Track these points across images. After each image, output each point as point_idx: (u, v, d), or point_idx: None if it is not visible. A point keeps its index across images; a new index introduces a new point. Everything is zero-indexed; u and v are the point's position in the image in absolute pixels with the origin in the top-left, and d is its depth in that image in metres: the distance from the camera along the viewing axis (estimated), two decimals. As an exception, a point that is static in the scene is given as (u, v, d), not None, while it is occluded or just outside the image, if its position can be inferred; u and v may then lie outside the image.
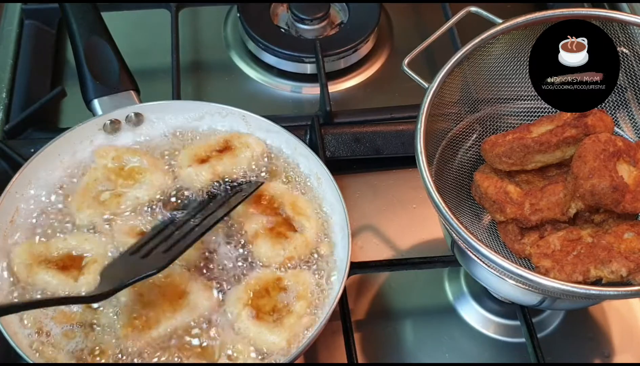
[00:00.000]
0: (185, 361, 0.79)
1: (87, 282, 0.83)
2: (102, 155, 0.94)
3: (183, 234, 0.83)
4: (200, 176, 0.92)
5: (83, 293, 0.82)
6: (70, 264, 0.85)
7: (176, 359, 0.79)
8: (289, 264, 0.87)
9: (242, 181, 0.93)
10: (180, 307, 0.82)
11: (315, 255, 0.89)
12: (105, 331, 0.81)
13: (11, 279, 0.84)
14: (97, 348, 0.80)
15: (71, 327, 0.80)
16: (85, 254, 0.86)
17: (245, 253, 0.88)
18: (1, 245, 0.85)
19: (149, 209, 0.90)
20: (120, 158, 0.94)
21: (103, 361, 0.79)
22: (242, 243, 0.88)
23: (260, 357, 0.80)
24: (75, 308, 0.82)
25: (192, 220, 0.85)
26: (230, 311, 0.83)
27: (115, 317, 0.81)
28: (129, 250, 0.82)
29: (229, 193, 0.91)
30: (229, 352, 0.80)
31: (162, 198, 0.91)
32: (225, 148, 0.96)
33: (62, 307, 0.81)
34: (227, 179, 0.93)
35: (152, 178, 0.92)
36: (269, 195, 0.92)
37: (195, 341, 0.81)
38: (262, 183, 0.92)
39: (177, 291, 0.83)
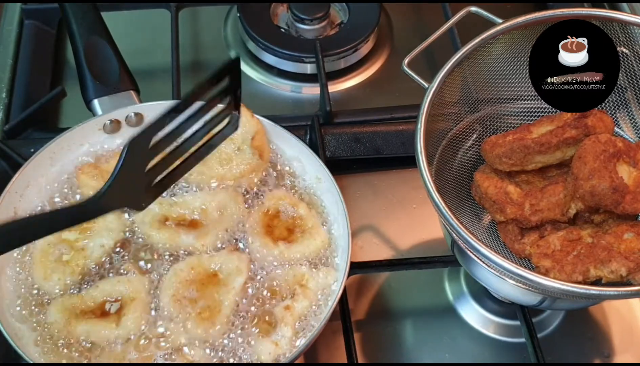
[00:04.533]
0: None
1: (131, 323, 0.81)
2: None
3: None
4: None
5: (132, 336, 0.81)
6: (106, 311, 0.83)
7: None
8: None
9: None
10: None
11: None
12: None
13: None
14: None
15: None
16: (119, 297, 0.83)
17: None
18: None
19: (121, 250, 0.88)
20: None
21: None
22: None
23: (312, 266, 0.87)
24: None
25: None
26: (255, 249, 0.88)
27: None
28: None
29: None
30: (296, 287, 0.85)
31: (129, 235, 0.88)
32: None
33: None
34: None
35: (106, 224, 0.88)
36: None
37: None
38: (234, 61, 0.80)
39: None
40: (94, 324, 0.81)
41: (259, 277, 0.87)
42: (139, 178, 0.75)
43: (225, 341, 0.82)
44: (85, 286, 0.84)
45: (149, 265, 0.87)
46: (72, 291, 0.84)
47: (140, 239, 0.88)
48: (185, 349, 0.81)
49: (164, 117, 0.73)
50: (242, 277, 0.85)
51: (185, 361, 0.80)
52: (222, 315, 0.82)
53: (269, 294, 0.86)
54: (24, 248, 0.86)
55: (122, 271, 0.86)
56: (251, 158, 0.93)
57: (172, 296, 0.83)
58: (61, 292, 0.84)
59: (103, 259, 0.86)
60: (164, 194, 0.88)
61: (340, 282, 0.84)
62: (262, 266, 0.88)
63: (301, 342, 0.82)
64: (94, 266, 0.86)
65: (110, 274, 0.85)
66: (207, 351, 0.81)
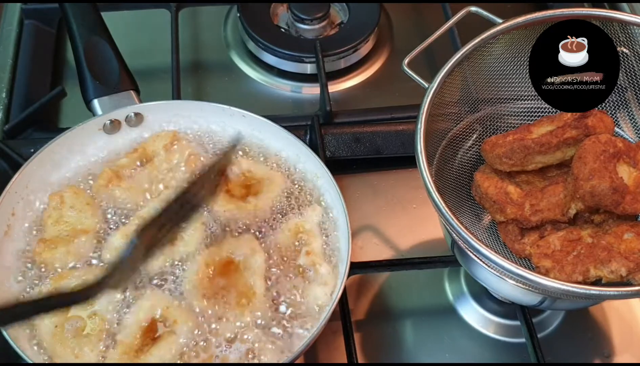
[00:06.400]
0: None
1: (186, 329, 0.81)
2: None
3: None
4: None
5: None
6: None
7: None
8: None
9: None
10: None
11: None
12: None
13: None
14: None
15: None
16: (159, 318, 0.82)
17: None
18: (0, 245, 0.85)
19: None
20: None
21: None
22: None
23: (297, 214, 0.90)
24: None
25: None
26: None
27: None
28: None
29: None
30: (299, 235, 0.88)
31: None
32: None
33: None
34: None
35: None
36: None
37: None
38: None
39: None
40: (158, 348, 0.79)
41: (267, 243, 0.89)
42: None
43: (282, 308, 0.84)
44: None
45: (162, 282, 0.85)
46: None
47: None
48: (243, 335, 0.81)
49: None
50: (261, 256, 0.86)
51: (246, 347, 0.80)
52: (259, 295, 0.83)
53: (284, 256, 0.87)
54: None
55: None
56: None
57: (203, 296, 0.82)
58: (103, 357, 0.79)
59: (120, 309, 0.82)
60: None
61: (341, 282, 0.84)
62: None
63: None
64: (116, 324, 0.81)
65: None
66: (260, 329, 0.82)
